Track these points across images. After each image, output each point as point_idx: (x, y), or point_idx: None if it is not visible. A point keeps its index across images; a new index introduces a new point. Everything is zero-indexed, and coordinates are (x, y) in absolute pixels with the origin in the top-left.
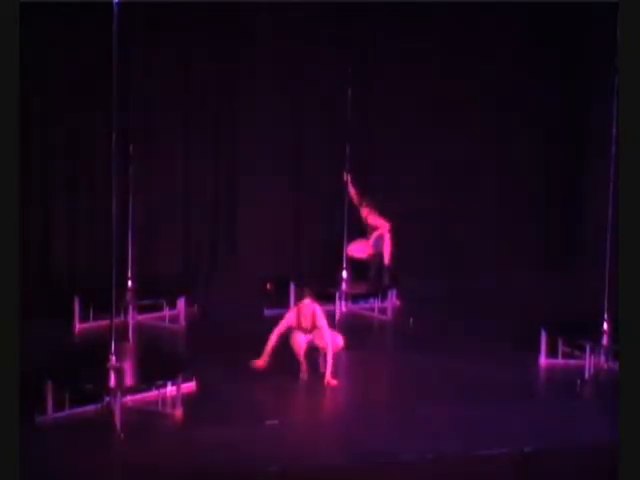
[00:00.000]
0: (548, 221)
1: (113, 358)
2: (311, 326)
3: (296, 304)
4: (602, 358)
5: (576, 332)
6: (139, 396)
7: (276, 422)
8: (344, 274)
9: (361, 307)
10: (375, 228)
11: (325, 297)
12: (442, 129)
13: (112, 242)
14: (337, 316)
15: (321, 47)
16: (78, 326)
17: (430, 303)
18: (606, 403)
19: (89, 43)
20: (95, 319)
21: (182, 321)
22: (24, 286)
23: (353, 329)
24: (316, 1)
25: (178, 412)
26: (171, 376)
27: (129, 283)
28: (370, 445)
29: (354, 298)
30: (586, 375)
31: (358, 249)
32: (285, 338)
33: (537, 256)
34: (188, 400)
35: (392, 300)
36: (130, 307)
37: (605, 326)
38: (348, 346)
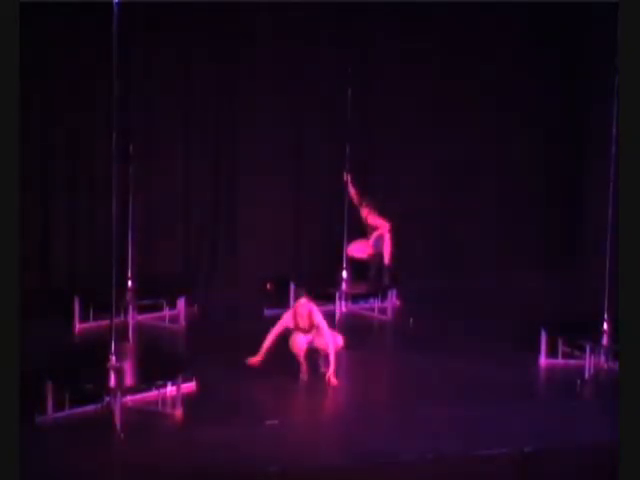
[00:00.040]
0: (548, 221)
1: (113, 358)
2: (309, 326)
3: (292, 305)
4: (602, 358)
5: (576, 332)
6: (139, 396)
7: (276, 422)
8: (344, 274)
9: (361, 307)
10: (375, 228)
11: (325, 297)
12: (442, 129)
13: (112, 242)
14: (337, 316)
15: (321, 47)
16: (78, 326)
17: (430, 303)
18: (606, 403)
19: (89, 43)
20: (95, 319)
21: (182, 321)
22: (24, 286)
23: (353, 329)
24: (316, 1)
25: (178, 412)
26: (171, 376)
27: (129, 283)
28: (370, 445)
29: (354, 298)
30: (586, 375)
31: (358, 249)
32: (283, 338)
33: (537, 256)
34: (188, 400)
35: (392, 300)
36: (130, 307)
37: (605, 326)
38: (348, 346)
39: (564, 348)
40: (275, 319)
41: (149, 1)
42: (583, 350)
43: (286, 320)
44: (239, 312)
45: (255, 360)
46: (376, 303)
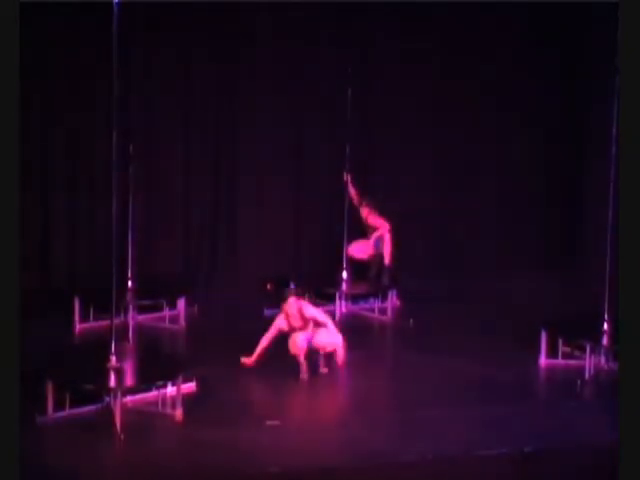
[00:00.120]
0: (548, 221)
1: (113, 358)
2: (303, 323)
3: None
4: (602, 358)
5: (576, 332)
6: (139, 396)
7: (276, 422)
8: (344, 274)
9: (361, 307)
10: (375, 228)
11: (325, 297)
12: (442, 129)
13: (112, 242)
14: (337, 316)
15: (321, 47)
16: (78, 326)
17: (430, 303)
18: (606, 403)
19: (89, 43)
20: (95, 319)
21: (182, 321)
22: (24, 286)
23: (353, 329)
24: (316, 1)
25: (178, 412)
26: (171, 376)
27: (129, 283)
28: (370, 445)
29: (354, 298)
30: (586, 375)
31: (359, 249)
32: (283, 338)
33: (537, 256)
34: (188, 400)
35: (392, 300)
36: (130, 307)
37: (605, 326)
38: (348, 346)
39: (564, 348)
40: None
41: (149, 1)
42: (583, 350)
43: (279, 323)
44: (239, 312)
45: (249, 360)
46: (376, 303)
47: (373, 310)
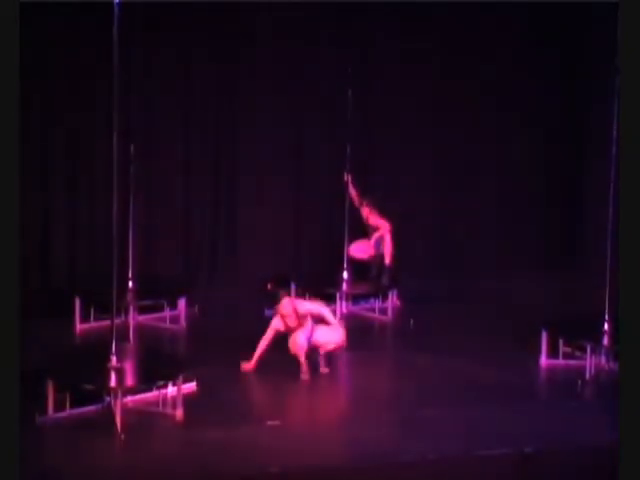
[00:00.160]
0: (548, 221)
1: (114, 358)
2: (299, 320)
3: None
4: (603, 358)
5: (577, 332)
6: (140, 396)
7: (277, 422)
8: (345, 274)
9: (362, 307)
10: (376, 228)
11: (325, 297)
12: (442, 129)
13: (112, 242)
14: (337, 316)
15: (321, 47)
16: (79, 326)
17: (430, 303)
18: (607, 404)
19: (89, 43)
20: (96, 319)
21: (183, 321)
22: (24, 286)
23: (353, 329)
24: (316, 1)
25: (179, 413)
26: (172, 376)
27: (129, 283)
28: (370, 445)
29: (355, 298)
30: (587, 375)
31: (360, 250)
32: (282, 339)
33: (537, 256)
34: (189, 400)
35: (392, 300)
36: (131, 307)
37: (606, 326)
38: (348, 346)
39: (565, 348)
40: None
41: (149, 1)
42: (584, 350)
43: (276, 325)
44: (239, 312)
45: (248, 366)
46: (377, 303)
47: (373, 310)
